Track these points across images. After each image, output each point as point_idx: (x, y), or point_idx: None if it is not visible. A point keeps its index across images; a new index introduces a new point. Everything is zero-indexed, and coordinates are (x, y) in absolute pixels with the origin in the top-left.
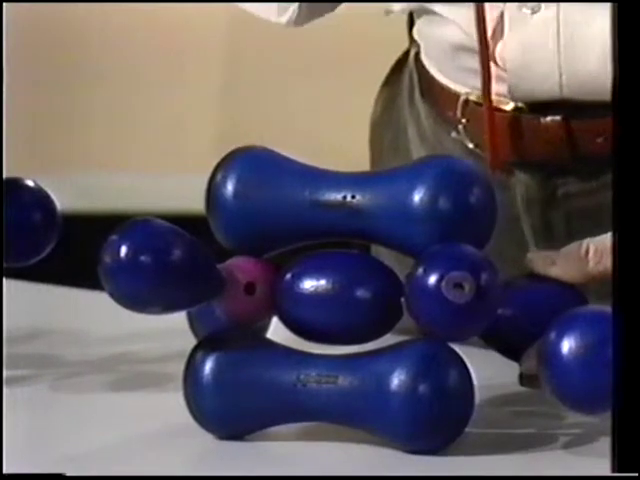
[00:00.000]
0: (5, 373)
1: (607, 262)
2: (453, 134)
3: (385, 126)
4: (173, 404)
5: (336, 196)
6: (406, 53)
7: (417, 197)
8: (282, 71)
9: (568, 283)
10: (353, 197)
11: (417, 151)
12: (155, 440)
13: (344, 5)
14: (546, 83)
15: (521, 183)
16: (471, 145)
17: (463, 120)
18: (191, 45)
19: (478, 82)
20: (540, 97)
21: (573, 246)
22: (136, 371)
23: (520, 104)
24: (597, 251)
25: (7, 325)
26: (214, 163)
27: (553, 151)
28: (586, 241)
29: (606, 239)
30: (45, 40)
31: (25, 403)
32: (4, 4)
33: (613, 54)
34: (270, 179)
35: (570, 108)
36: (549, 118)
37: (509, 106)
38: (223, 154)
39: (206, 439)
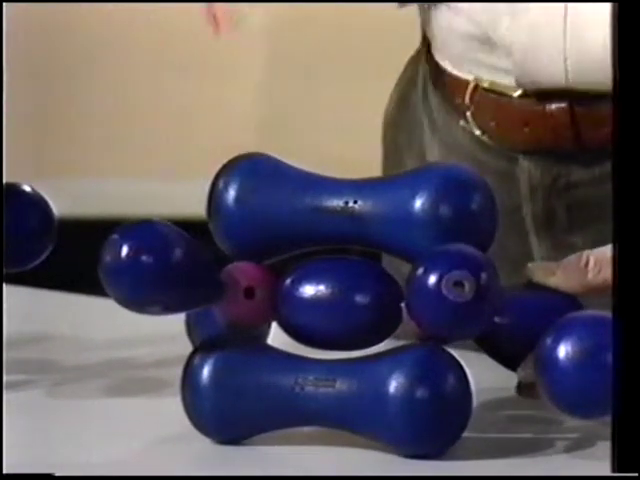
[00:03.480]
0: (4, 378)
1: (607, 273)
2: (462, 122)
3: (399, 124)
4: (171, 409)
5: (338, 202)
6: (419, 51)
7: (418, 203)
8: (282, 76)
9: (566, 293)
10: (355, 203)
11: (429, 144)
12: (153, 444)
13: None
14: (551, 67)
15: (524, 171)
16: (478, 132)
17: (471, 108)
18: (191, 49)
19: (487, 71)
20: (545, 83)
21: (573, 257)
22: (134, 376)
23: (527, 91)
24: (597, 262)
25: (5, 330)
26: (215, 169)
27: (558, 139)
28: (586, 252)
29: (606, 250)
30: (43, 43)
31: (24, 408)
32: (4, 4)
33: (613, 56)
34: (271, 185)
35: (576, 97)
36: (554, 105)
37: (516, 93)
38: (224, 161)
39: (204, 443)
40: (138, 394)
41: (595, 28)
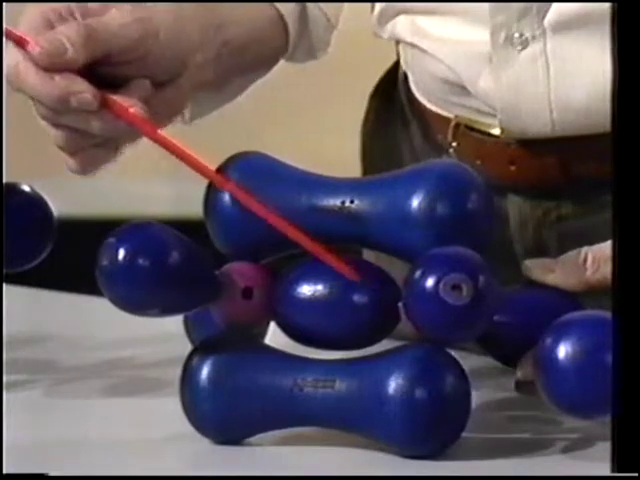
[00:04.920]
0: (4, 378)
1: (605, 270)
2: (444, 157)
3: (377, 137)
4: (170, 409)
5: (334, 201)
6: (396, 64)
7: (415, 202)
8: (280, 77)
9: (565, 290)
10: (351, 202)
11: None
12: (152, 445)
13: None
14: (537, 121)
15: (514, 205)
16: None
17: (454, 144)
18: None
19: (468, 112)
20: (532, 135)
21: (571, 254)
22: (133, 376)
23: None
24: (595, 259)
25: (5, 330)
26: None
27: (545, 176)
28: (584, 249)
29: (604, 247)
30: None
31: (24, 408)
32: (4, 4)
33: (613, 67)
34: (268, 184)
35: (563, 137)
36: (541, 144)
37: (500, 132)
38: (220, 160)
39: (204, 443)
40: (138, 394)
41: (579, 77)
